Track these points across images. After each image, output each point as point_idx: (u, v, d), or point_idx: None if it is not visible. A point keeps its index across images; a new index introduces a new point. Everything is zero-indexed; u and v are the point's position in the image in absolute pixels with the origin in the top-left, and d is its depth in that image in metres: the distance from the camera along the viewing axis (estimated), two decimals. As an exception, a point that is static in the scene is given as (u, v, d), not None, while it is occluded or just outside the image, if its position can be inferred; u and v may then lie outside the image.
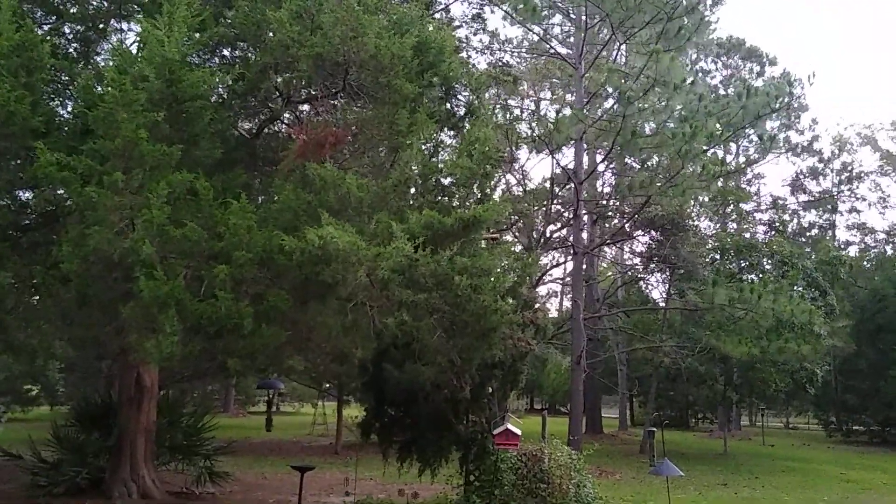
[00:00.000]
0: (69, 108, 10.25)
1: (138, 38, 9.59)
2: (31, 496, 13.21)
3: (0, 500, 13.18)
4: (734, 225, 38.06)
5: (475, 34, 26.32)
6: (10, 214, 10.00)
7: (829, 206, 47.50)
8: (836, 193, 48.00)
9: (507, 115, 24.75)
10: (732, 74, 41.17)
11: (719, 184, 22.71)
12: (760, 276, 23.58)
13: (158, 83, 8.10)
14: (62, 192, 9.12)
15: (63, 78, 10.48)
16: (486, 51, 27.44)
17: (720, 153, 23.43)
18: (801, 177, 47.58)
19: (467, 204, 10.72)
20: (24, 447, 14.77)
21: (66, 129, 9.62)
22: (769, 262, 26.51)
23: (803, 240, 44.20)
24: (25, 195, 10.46)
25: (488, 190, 11.09)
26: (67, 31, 11.50)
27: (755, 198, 40.21)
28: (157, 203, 7.70)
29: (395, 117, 9.61)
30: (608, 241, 32.06)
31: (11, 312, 11.47)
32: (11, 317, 11.55)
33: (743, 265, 26.87)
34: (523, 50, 30.11)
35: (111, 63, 8.90)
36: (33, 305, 12.20)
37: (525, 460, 11.54)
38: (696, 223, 30.54)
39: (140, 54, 8.42)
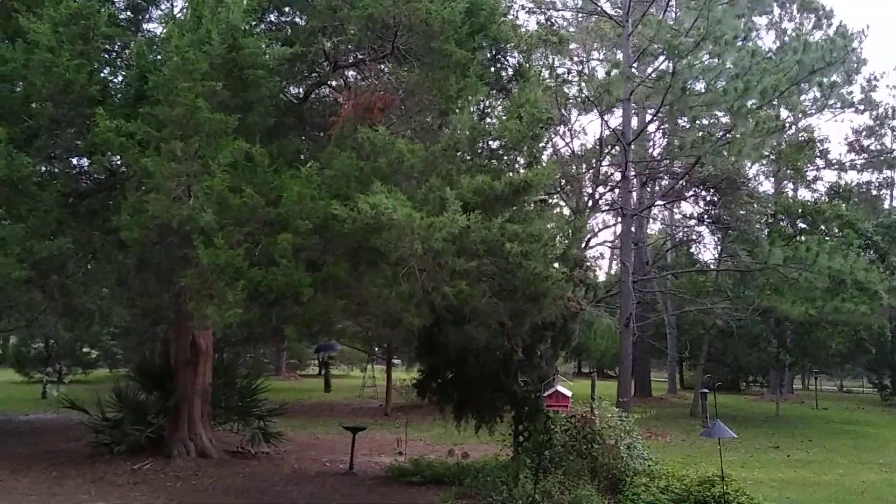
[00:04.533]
0: (121, 77, 10.38)
1: (187, 5, 9.63)
2: (95, 454, 13.69)
3: (65, 458, 13.68)
4: (790, 184, 37.16)
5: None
6: (69, 181, 10.22)
7: (888, 165, 45.92)
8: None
9: (555, 76, 24.35)
10: (787, 28, 39.87)
11: (773, 142, 22.14)
12: (818, 237, 22.99)
13: (221, 49, 8.12)
14: (119, 159, 9.28)
15: (115, 46, 10.60)
16: (533, 11, 26.93)
17: (782, 111, 22.74)
18: (860, 134, 46.02)
19: (516, 167, 10.63)
20: (86, 407, 15.26)
21: (119, 96, 9.75)
22: (830, 226, 25.82)
23: (863, 201, 42.83)
24: (82, 162, 10.68)
25: (537, 153, 10.96)
26: (117, -1, 11.60)
27: (818, 159, 39.01)
28: (217, 171, 7.78)
29: (444, 82, 9.52)
30: (658, 203, 31.61)
31: (71, 277, 11.79)
32: (71, 281, 11.87)
33: (802, 227, 26.25)
34: (570, 10, 29.52)
35: (169, 29, 8.94)
36: (92, 271, 12.52)
37: (576, 422, 11.56)
38: (752, 183, 29.89)
39: (200, 20, 8.43)
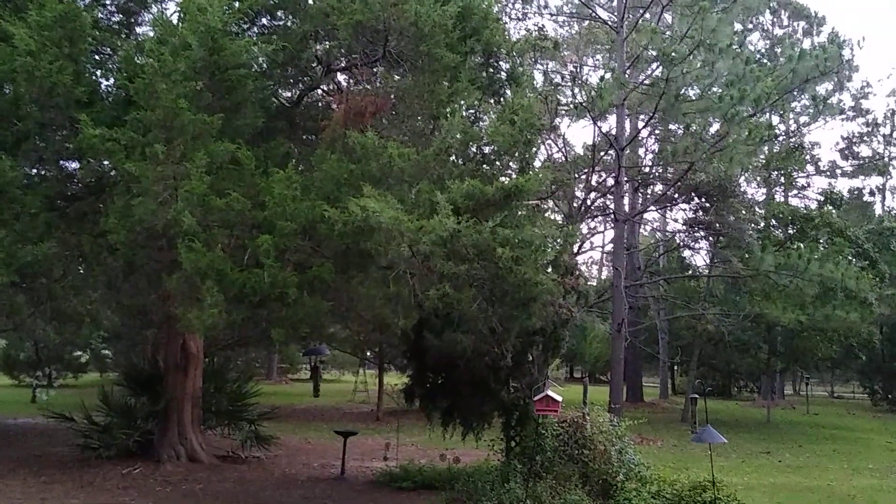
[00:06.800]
0: (112, 80, 10.34)
1: (178, 9, 9.63)
2: (84, 459, 13.60)
3: (54, 463, 13.59)
4: (781, 191, 37.29)
5: (515, 1, 25.86)
6: (58, 184, 10.17)
7: (879, 171, 46.15)
8: (886, 157, 46.57)
9: (548, 82, 24.41)
10: (778, 34, 40.07)
11: (765, 149, 22.22)
12: (809, 244, 23.05)
13: (201, 52, 8.11)
14: (107, 163, 9.24)
15: (106, 49, 10.57)
16: (524, 17, 26.98)
17: (773, 118, 22.81)
18: (851, 141, 46.23)
19: (508, 172, 10.63)
20: (75, 411, 15.18)
21: (109, 99, 9.72)
22: (822, 233, 25.89)
23: (853, 207, 43.02)
24: (72, 166, 10.63)
25: (529, 158, 10.96)
26: (109, 2, 11.56)
27: (808, 165, 39.14)
28: (196, 174, 7.75)
29: (435, 86, 9.52)
30: (650, 209, 31.67)
31: (60, 281, 11.73)
32: (60, 285, 11.82)
33: (792, 233, 26.33)
34: (564, 16, 29.61)
35: (152, 33, 8.94)
36: (81, 274, 12.46)
37: (567, 426, 11.55)
38: (744, 189, 29.99)
39: (182, 24, 8.43)
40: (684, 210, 29.99)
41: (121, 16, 11.69)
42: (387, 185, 8.62)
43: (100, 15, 10.79)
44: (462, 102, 9.61)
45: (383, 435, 19.27)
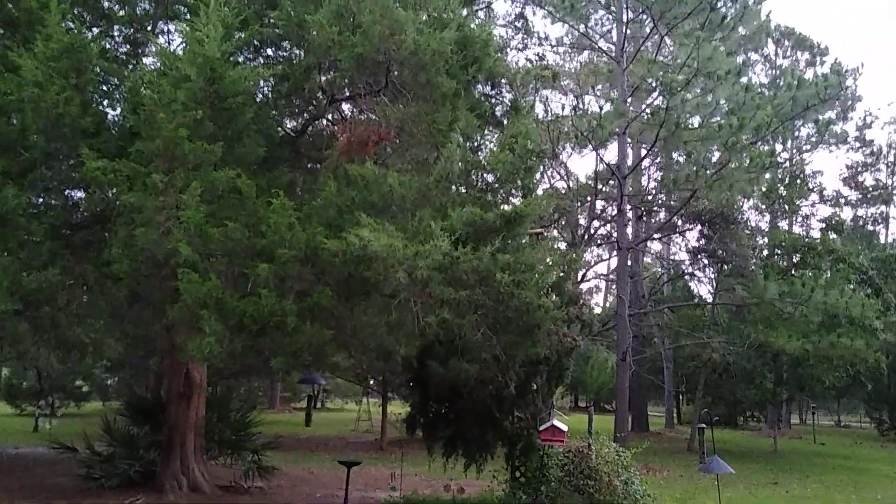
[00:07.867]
0: (119, 110, 10.44)
1: (183, 40, 9.74)
2: (86, 489, 13.51)
3: (56, 493, 13.50)
4: (786, 220, 37.33)
5: (517, 33, 26.07)
6: (63, 213, 10.21)
7: (883, 200, 46.24)
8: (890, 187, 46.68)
9: (549, 111, 24.57)
10: (782, 65, 40.39)
11: (767, 176, 22.34)
12: (812, 271, 23.04)
13: (199, 82, 8.19)
14: (111, 193, 9.29)
15: (112, 80, 10.68)
16: (526, 47, 27.19)
17: (776, 146, 22.95)
18: (854, 170, 46.38)
19: (510, 199, 10.66)
20: (78, 440, 15.11)
21: (115, 130, 9.80)
22: (824, 260, 25.86)
23: (858, 235, 43.05)
24: (77, 195, 10.68)
25: (531, 185, 11.00)
26: (116, 33, 11.70)
27: (812, 194, 39.22)
28: (192, 203, 7.79)
29: (435, 115, 9.58)
30: (653, 237, 31.71)
31: (63, 310, 11.72)
32: (63, 314, 11.80)
33: (795, 261, 26.32)
34: (565, 46, 29.84)
35: (156, 65, 9.05)
36: (85, 303, 12.45)
37: (572, 457, 11.48)
38: (746, 217, 30.01)
39: (182, 54, 8.53)
40: (688, 238, 30.03)
41: (128, 46, 11.82)
42: (390, 214, 8.65)
43: (107, 45, 10.92)
44: (461, 130, 9.65)
45: (387, 465, 19.13)
